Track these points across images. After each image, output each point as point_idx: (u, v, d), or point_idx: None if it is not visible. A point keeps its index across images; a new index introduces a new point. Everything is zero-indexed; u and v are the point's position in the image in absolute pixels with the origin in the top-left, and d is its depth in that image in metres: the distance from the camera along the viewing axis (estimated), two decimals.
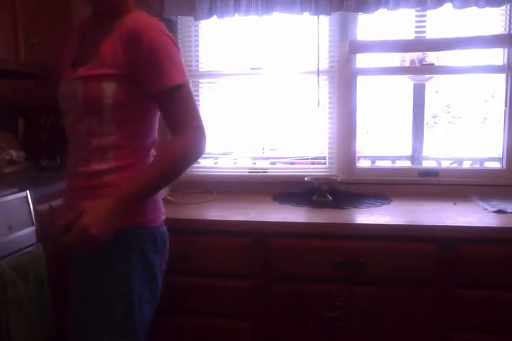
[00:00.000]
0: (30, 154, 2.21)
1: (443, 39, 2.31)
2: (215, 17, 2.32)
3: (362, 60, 2.44)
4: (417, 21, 2.37)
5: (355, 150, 2.47)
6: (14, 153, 2.11)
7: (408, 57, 2.47)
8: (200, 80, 2.57)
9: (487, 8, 2.15)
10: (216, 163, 2.66)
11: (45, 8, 2.12)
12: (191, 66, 2.54)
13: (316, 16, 2.31)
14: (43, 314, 1.66)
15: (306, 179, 2.30)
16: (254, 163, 2.64)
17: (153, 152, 1.39)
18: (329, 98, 2.45)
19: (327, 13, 2.26)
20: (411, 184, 2.39)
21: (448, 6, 2.15)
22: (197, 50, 2.54)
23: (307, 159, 2.53)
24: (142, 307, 1.32)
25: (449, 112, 3.02)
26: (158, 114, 1.36)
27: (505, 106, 2.33)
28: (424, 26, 2.37)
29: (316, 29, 2.36)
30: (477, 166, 2.57)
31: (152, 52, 1.24)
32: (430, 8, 2.18)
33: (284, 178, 2.49)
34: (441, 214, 1.96)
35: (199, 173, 2.57)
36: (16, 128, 2.29)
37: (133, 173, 1.29)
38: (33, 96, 1.67)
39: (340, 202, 2.19)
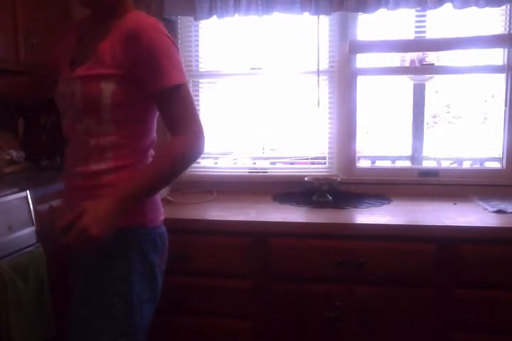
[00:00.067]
0: (30, 154, 2.21)
1: (443, 39, 2.31)
2: (215, 17, 2.32)
3: (362, 60, 2.44)
4: (417, 21, 2.37)
5: (355, 150, 2.46)
6: (14, 153, 2.11)
7: (408, 57, 2.47)
8: (200, 80, 2.57)
9: (487, 8, 2.15)
10: (216, 163, 2.66)
11: (45, 8, 2.12)
12: (191, 66, 2.54)
13: (316, 16, 2.31)
14: (43, 314, 1.66)
15: (306, 179, 2.30)
16: (254, 163, 2.64)
17: (151, 152, 1.39)
18: (329, 98, 2.45)
19: (327, 13, 2.26)
20: (411, 184, 2.39)
21: (448, 6, 2.15)
22: (197, 50, 2.54)
23: (307, 159, 2.53)
24: (142, 307, 1.32)
25: (449, 112, 3.03)
26: (157, 114, 1.35)
27: (505, 106, 2.33)
28: (424, 26, 2.37)
29: (316, 29, 2.36)
30: (477, 166, 2.57)
31: (151, 52, 1.23)
32: (430, 8, 2.18)
33: (284, 178, 2.49)
34: (441, 214, 1.96)
35: (199, 173, 2.57)
36: (16, 128, 2.29)
37: (132, 173, 1.29)
38: (32, 93, 1.66)
39: (340, 202, 2.19)
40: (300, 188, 2.36)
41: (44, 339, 1.67)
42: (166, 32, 1.29)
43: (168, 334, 1.95)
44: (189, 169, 2.42)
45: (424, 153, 2.54)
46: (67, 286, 1.42)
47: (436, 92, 2.87)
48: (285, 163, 2.65)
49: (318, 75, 2.39)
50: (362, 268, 1.81)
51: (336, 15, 2.32)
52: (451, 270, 1.80)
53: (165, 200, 2.18)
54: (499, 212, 1.97)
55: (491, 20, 2.31)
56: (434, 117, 3.01)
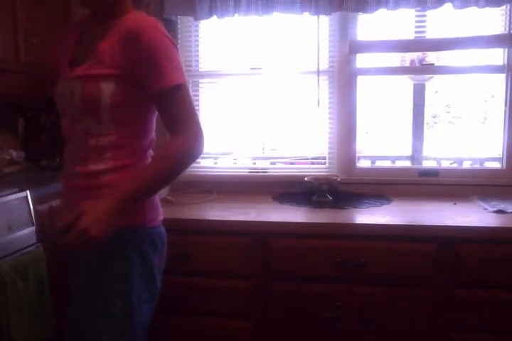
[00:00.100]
0: (30, 154, 2.21)
1: (443, 39, 2.31)
2: (215, 17, 2.32)
3: (362, 60, 2.44)
4: (417, 21, 2.36)
5: (355, 150, 2.46)
6: (14, 153, 2.11)
7: (408, 57, 2.47)
8: (200, 80, 2.57)
9: (487, 8, 2.15)
10: (216, 163, 2.66)
11: (45, 8, 2.12)
12: (191, 66, 2.54)
13: (316, 16, 2.31)
14: (43, 314, 1.66)
15: (306, 179, 2.30)
16: (254, 163, 2.64)
17: (150, 152, 1.39)
18: (329, 98, 2.45)
19: (327, 13, 2.26)
20: (411, 184, 2.39)
21: (448, 6, 2.15)
22: (197, 50, 2.54)
23: (307, 159, 2.53)
24: (141, 307, 1.32)
25: (449, 112, 3.03)
26: (156, 114, 1.35)
27: (505, 106, 2.33)
28: (424, 26, 2.36)
29: (316, 29, 2.36)
30: (477, 166, 2.57)
31: (151, 52, 1.23)
32: (430, 8, 2.18)
33: (284, 178, 2.49)
34: (441, 214, 1.96)
35: (199, 173, 2.56)
36: (16, 128, 2.29)
37: (131, 173, 1.29)
38: (32, 93, 1.65)
39: (340, 202, 2.19)
40: (300, 188, 2.36)
41: (44, 339, 1.67)
42: (166, 32, 1.29)
43: (168, 334, 1.95)
44: (189, 169, 2.43)
45: (424, 153, 2.54)
46: (67, 286, 1.42)
47: (436, 92, 2.87)
48: (285, 163, 2.65)
49: (318, 75, 2.39)
50: (362, 268, 1.81)
51: (336, 15, 2.32)
52: (451, 270, 1.80)
53: (165, 200, 2.18)
54: (499, 212, 1.97)
55: (491, 20, 2.31)
56: (434, 117, 3.01)
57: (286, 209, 2.09)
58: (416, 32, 2.37)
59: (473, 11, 2.16)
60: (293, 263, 1.87)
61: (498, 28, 2.30)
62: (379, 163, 2.76)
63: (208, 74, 2.56)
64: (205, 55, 2.55)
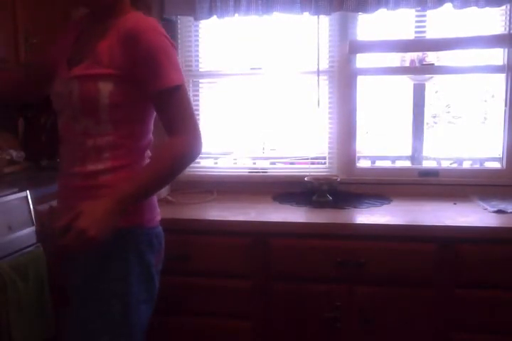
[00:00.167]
0: (30, 154, 2.20)
1: (443, 39, 2.31)
2: (215, 17, 2.32)
3: (362, 60, 2.44)
4: (417, 21, 2.36)
5: (355, 150, 2.46)
6: (14, 153, 2.11)
7: (408, 57, 2.46)
8: (200, 80, 2.57)
9: (487, 8, 2.14)
10: (216, 163, 2.66)
11: (45, 8, 2.11)
12: (191, 66, 2.54)
13: (316, 16, 2.31)
14: (43, 314, 1.66)
15: (306, 179, 2.30)
16: (254, 163, 2.64)
17: (148, 153, 1.39)
18: (329, 98, 2.45)
19: (327, 13, 2.26)
20: (411, 184, 2.39)
21: (448, 6, 2.15)
22: (197, 50, 2.54)
23: (307, 159, 2.53)
24: (140, 307, 1.32)
25: (449, 112, 3.02)
26: (154, 114, 1.35)
27: (505, 106, 2.33)
28: (424, 26, 2.36)
29: (316, 29, 2.36)
30: (477, 166, 2.56)
31: (151, 53, 1.23)
32: (430, 8, 2.18)
33: (284, 178, 2.49)
34: (441, 214, 1.96)
35: (199, 173, 2.56)
36: (16, 128, 2.29)
37: (129, 174, 1.29)
38: (32, 92, 1.64)
39: (340, 202, 2.19)
40: (300, 188, 2.36)
41: (44, 339, 1.67)
42: (165, 33, 1.29)
43: (168, 335, 1.95)
44: (189, 169, 2.43)
45: (424, 153, 2.54)
46: (66, 286, 1.42)
47: (436, 92, 2.86)
48: (285, 163, 2.65)
49: (318, 75, 2.39)
50: (362, 268, 1.81)
51: (335, 15, 2.32)
52: (451, 270, 1.79)
53: (165, 200, 2.18)
54: (499, 212, 1.97)
55: (491, 20, 2.31)
56: (434, 117, 3.01)
57: (286, 209, 2.09)
58: (416, 32, 2.37)
59: (473, 11, 2.16)
60: (293, 263, 1.86)
61: (498, 28, 2.29)
62: (379, 163, 2.76)
63: (208, 74, 2.56)
64: (205, 55, 2.55)
